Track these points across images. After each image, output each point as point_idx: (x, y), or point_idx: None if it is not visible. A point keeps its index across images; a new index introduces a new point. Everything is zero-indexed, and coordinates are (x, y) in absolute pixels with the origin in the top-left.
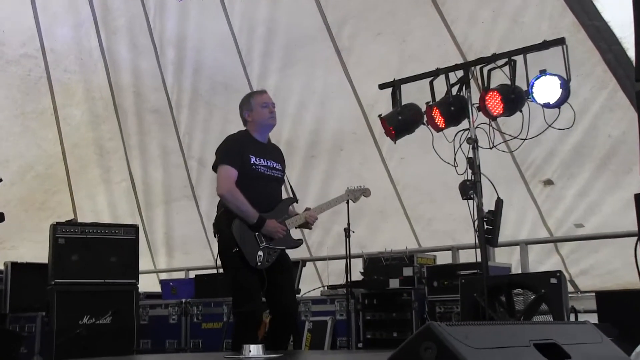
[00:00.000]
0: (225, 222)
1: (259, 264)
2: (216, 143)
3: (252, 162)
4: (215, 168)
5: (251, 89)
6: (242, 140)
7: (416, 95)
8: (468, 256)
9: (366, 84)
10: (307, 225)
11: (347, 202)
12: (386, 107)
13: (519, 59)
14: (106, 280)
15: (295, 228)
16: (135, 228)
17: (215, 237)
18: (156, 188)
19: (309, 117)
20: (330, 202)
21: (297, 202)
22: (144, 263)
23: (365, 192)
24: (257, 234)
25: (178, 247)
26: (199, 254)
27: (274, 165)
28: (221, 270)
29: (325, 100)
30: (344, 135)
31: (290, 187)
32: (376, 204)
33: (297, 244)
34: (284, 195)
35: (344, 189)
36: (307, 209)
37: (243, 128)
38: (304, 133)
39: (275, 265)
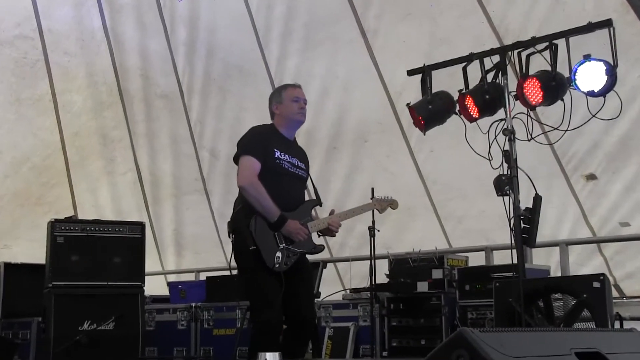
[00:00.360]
0: (243, 220)
1: (277, 265)
2: (230, 132)
3: (276, 156)
4: (236, 159)
5: (268, 73)
6: (267, 133)
7: (448, 82)
8: (503, 257)
9: (393, 69)
10: (329, 231)
11: (372, 194)
12: (415, 95)
13: (561, 42)
14: (109, 283)
15: (318, 235)
16: (141, 225)
17: (229, 237)
18: (165, 180)
19: (331, 104)
20: (355, 210)
21: (320, 205)
22: (151, 263)
23: (393, 204)
24: (276, 233)
25: (188, 245)
26: (211, 253)
27: (299, 163)
28: (235, 272)
29: (349, 86)
30: (368, 126)
31: (315, 188)
32: (403, 200)
33: (319, 249)
34: (307, 198)
35: (369, 185)
36: (332, 213)
37: (263, 120)
38: (326, 122)
39: (293, 270)
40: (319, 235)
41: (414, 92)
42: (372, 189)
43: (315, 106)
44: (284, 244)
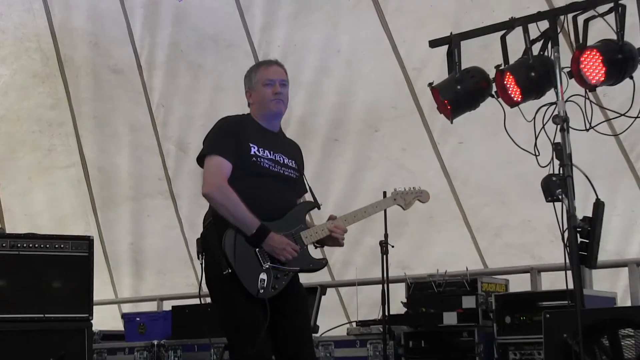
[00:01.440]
0: (214, 236)
1: (261, 291)
2: (203, 119)
3: (252, 152)
4: (201, 160)
5: (251, 45)
6: (240, 124)
7: (481, 55)
8: (554, 280)
9: (411, 39)
10: (332, 240)
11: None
12: (439, 73)
13: (631, 3)
14: (46, 315)
15: (315, 247)
16: (88, 241)
17: (198, 258)
18: (119, 179)
19: (332, 85)
20: (367, 209)
21: (318, 208)
22: (100, 289)
23: (422, 196)
24: (258, 249)
25: (149, 264)
26: (178, 274)
27: (285, 160)
28: (208, 300)
29: (354, 61)
30: (379, 111)
31: (310, 189)
32: (424, 206)
33: (318, 265)
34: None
35: (380, 187)
36: (331, 218)
37: (244, 104)
38: (324, 108)
39: (283, 296)
40: (315, 247)
41: (437, 68)
42: (385, 193)
43: (310, 88)
44: (269, 263)
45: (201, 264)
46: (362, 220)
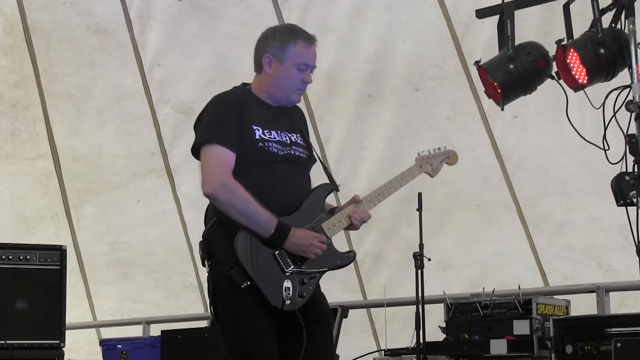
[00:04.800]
0: (223, 241)
1: (287, 302)
2: (210, 73)
3: (257, 136)
4: (196, 151)
5: None
6: (240, 104)
7: (540, 28)
8: (625, 299)
9: None
10: (352, 228)
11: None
12: (490, 32)
13: None
14: (8, 342)
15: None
16: (60, 252)
17: (204, 265)
18: (100, 163)
19: (366, 34)
20: (393, 183)
21: (337, 190)
22: (74, 305)
23: (450, 158)
24: (277, 252)
25: (137, 260)
26: (175, 271)
27: (293, 138)
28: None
29: (393, 5)
30: (421, 68)
31: (323, 165)
32: (469, 191)
33: (346, 259)
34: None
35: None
36: (353, 200)
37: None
38: (357, 60)
39: (303, 309)
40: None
41: (488, 26)
42: (419, 195)
43: (341, 36)
44: (292, 266)
45: (208, 272)
46: (388, 222)
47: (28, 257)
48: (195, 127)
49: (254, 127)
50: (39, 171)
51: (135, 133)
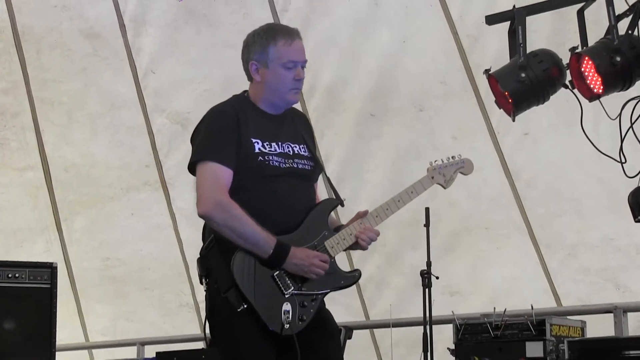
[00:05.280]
0: (219, 257)
1: (286, 326)
2: (207, 84)
3: (256, 150)
4: (192, 168)
5: None
6: (237, 114)
7: (552, 35)
8: None
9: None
10: (359, 246)
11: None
12: (499, 44)
13: None
14: None
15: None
16: (50, 270)
17: (201, 283)
18: (93, 174)
19: (368, 48)
20: (402, 196)
21: (342, 205)
22: (66, 323)
23: (464, 167)
24: (276, 273)
25: (131, 277)
26: (170, 289)
27: (297, 149)
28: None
29: (396, 21)
30: (426, 86)
31: (328, 180)
32: (478, 212)
33: (350, 279)
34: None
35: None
36: (358, 215)
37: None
38: (358, 76)
39: (310, 326)
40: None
41: (497, 38)
42: (427, 210)
43: (342, 51)
44: (292, 288)
45: (206, 292)
46: (394, 239)
47: (17, 275)
48: (192, 141)
49: (253, 140)
50: (28, 182)
51: (129, 143)
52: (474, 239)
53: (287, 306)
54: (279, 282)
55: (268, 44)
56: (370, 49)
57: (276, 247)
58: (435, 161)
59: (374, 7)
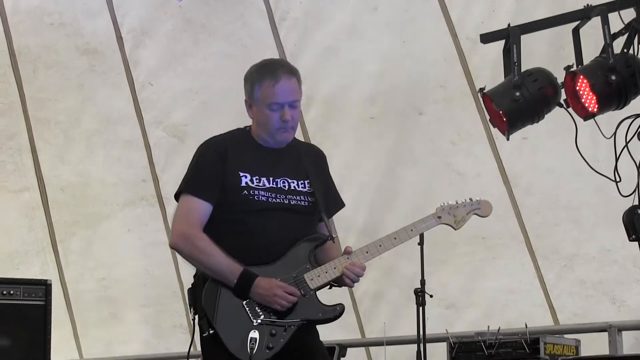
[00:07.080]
0: (200, 290)
1: (252, 352)
2: (204, 95)
3: (243, 184)
4: (177, 198)
5: (266, 1)
6: (227, 148)
7: (548, 53)
8: (639, 339)
9: (466, 1)
10: (344, 282)
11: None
12: (497, 51)
13: None
14: None
15: (330, 287)
16: (45, 286)
17: (190, 311)
18: (89, 193)
19: (365, 52)
20: (399, 234)
21: (332, 240)
22: (62, 351)
23: (481, 209)
24: (246, 302)
25: (127, 296)
26: (165, 308)
27: (295, 185)
28: None
29: (394, 24)
30: (424, 90)
31: (324, 216)
32: (475, 223)
33: (330, 313)
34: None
35: (424, 192)
36: (346, 252)
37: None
38: (358, 80)
39: (294, 354)
40: (330, 287)
41: (497, 42)
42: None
43: (338, 54)
44: (262, 317)
45: (192, 319)
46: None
47: (12, 292)
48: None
49: (241, 174)
50: (24, 204)
51: (126, 158)
52: (472, 248)
53: (254, 334)
54: (248, 311)
55: (254, 84)
56: (370, 54)
57: (240, 276)
58: (448, 201)
59: (373, 11)
